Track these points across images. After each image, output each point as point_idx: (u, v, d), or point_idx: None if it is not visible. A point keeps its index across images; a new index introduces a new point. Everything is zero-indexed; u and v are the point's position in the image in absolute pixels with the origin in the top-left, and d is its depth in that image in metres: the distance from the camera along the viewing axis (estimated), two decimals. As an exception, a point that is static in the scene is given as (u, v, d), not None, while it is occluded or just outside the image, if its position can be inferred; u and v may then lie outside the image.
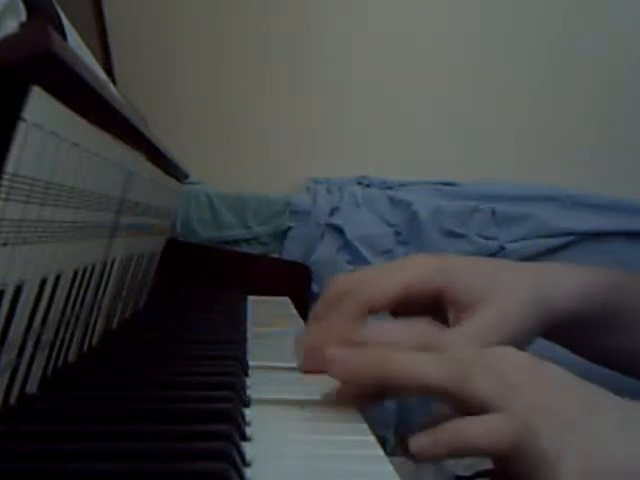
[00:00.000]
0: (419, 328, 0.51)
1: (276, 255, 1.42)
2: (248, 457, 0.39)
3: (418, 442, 0.43)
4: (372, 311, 0.58)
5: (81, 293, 0.58)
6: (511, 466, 0.43)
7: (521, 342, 0.57)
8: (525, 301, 0.58)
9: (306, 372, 0.56)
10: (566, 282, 0.61)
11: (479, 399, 0.44)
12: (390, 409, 1.28)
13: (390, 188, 1.48)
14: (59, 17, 0.57)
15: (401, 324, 0.55)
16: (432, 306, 0.59)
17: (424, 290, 0.58)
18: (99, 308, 0.67)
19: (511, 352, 0.47)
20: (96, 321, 0.67)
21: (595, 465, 0.42)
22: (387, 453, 0.43)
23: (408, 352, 0.47)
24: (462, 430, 0.43)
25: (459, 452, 0.43)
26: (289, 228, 1.43)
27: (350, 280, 0.60)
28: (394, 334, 0.51)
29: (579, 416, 0.43)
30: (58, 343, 0.55)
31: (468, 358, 0.46)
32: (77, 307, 0.58)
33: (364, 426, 0.47)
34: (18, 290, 0.43)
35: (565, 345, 0.66)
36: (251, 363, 0.62)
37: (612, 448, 0.42)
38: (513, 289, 0.58)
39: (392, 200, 1.45)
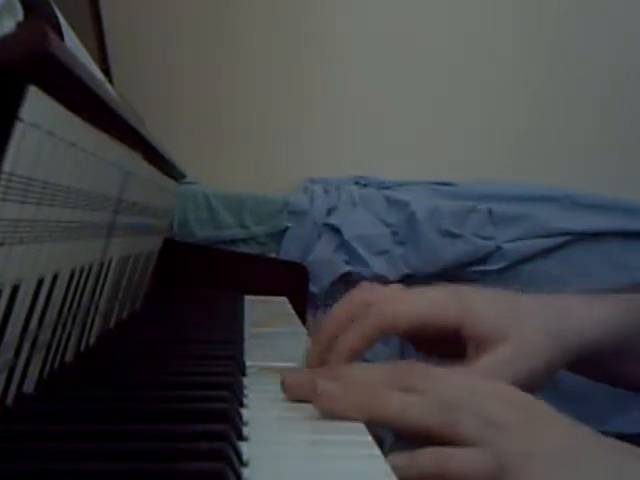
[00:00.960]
0: (402, 367, 0.52)
1: (273, 255, 1.42)
2: (245, 457, 0.39)
3: (396, 460, 0.43)
4: (385, 332, 0.58)
5: (78, 293, 0.58)
6: None
7: (540, 376, 0.57)
8: (542, 336, 0.58)
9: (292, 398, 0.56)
10: (580, 317, 0.60)
11: (462, 439, 0.44)
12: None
13: (387, 188, 1.48)
14: (56, 17, 0.57)
15: (383, 364, 0.55)
16: (448, 338, 0.59)
17: (440, 320, 0.58)
18: (96, 308, 0.67)
19: (503, 390, 0.48)
20: (93, 321, 0.67)
21: None
22: (384, 453, 0.43)
23: (394, 394, 0.48)
24: (441, 458, 0.44)
25: (436, 474, 0.44)
26: (286, 228, 1.43)
27: (364, 299, 0.60)
28: (376, 375, 0.51)
29: (562, 461, 0.43)
30: (55, 343, 0.55)
31: (453, 398, 0.46)
32: (74, 307, 0.58)
33: (361, 426, 0.47)
34: (15, 290, 0.42)
35: (586, 375, 0.67)
36: (248, 363, 0.62)
37: None
38: (530, 324, 0.58)
39: (389, 200, 1.45)
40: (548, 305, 0.62)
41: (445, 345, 0.59)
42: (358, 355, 0.58)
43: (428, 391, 0.47)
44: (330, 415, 0.48)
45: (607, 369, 0.64)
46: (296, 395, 0.52)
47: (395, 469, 0.43)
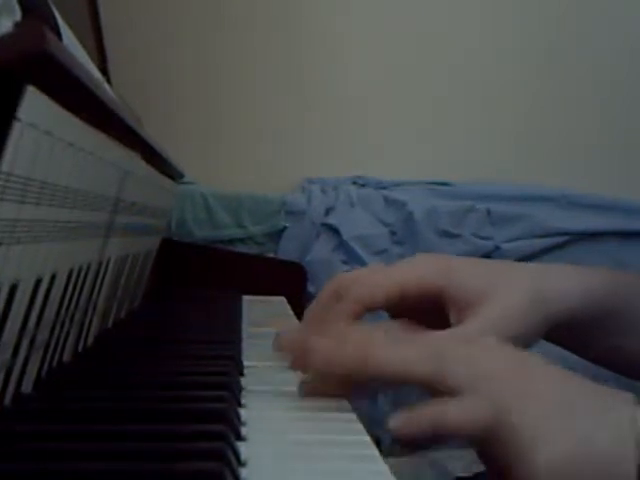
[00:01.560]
0: (398, 326, 0.52)
1: (271, 255, 1.42)
2: (243, 457, 0.39)
3: (395, 421, 0.44)
4: (367, 309, 0.58)
5: (76, 293, 0.58)
6: (487, 448, 0.44)
7: (523, 341, 0.57)
8: (526, 300, 0.58)
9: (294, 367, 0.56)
10: (566, 282, 0.61)
11: (453, 388, 0.45)
12: (385, 409, 1.28)
13: (385, 188, 1.48)
14: (54, 17, 0.57)
15: (381, 324, 0.55)
16: (431, 306, 0.59)
17: (422, 289, 0.58)
18: (94, 308, 0.67)
19: (494, 343, 0.48)
20: (91, 321, 0.67)
21: (580, 449, 0.42)
22: (382, 453, 0.43)
23: (387, 344, 0.48)
24: (438, 410, 0.44)
25: (434, 431, 0.44)
26: (284, 228, 1.43)
27: (345, 280, 0.61)
28: (368, 332, 0.52)
29: (558, 402, 0.44)
30: (53, 343, 0.55)
31: (444, 349, 0.47)
32: (72, 307, 0.58)
33: (359, 426, 0.47)
34: (13, 289, 0.42)
35: (565, 346, 0.66)
36: (246, 363, 0.62)
37: (594, 433, 0.43)
38: (513, 288, 0.59)
39: (387, 200, 1.45)
40: (533, 270, 0.62)
41: (428, 316, 0.59)
42: None
43: (420, 342, 0.48)
44: (323, 369, 0.49)
45: (589, 343, 0.64)
46: (288, 351, 0.52)
47: (395, 431, 0.43)
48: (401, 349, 0.47)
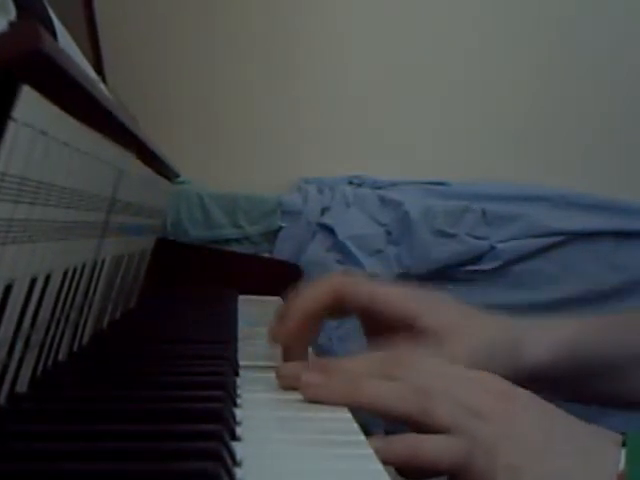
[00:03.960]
0: (387, 356, 0.53)
1: (267, 255, 1.42)
2: (238, 457, 0.39)
3: (372, 443, 0.44)
4: (345, 301, 0.60)
5: (71, 293, 0.58)
6: None
7: None
8: (494, 343, 0.59)
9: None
10: (537, 337, 0.61)
11: (438, 425, 0.45)
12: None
13: (381, 188, 1.48)
14: (49, 16, 0.57)
15: (370, 354, 0.56)
16: (399, 328, 0.60)
17: (400, 308, 0.60)
18: (89, 308, 0.67)
19: (484, 377, 0.49)
20: (86, 321, 0.67)
21: None
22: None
23: (374, 381, 0.50)
24: (414, 442, 0.45)
25: (408, 460, 0.45)
26: (280, 228, 1.43)
27: (348, 281, 0.62)
28: (358, 363, 0.53)
29: (538, 446, 0.44)
30: (48, 343, 0.55)
31: (430, 385, 0.47)
32: (67, 307, 0.58)
33: (354, 426, 0.47)
34: (8, 289, 0.42)
35: (539, 393, 0.67)
36: (242, 363, 0.62)
37: (573, 475, 0.43)
38: (485, 331, 0.60)
39: (383, 200, 1.46)
40: (504, 321, 0.63)
41: (394, 337, 0.60)
42: (312, 322, 0.60)
43: (407, 378, 0.48)
44: (316, 402, 0.50)
45: (562, 389, 0.65)
46: (286, 384, 0.54)
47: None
48: (387, 385, 0.49)
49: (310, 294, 0.61)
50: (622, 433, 0.45)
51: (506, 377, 0.58)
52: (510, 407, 0.46)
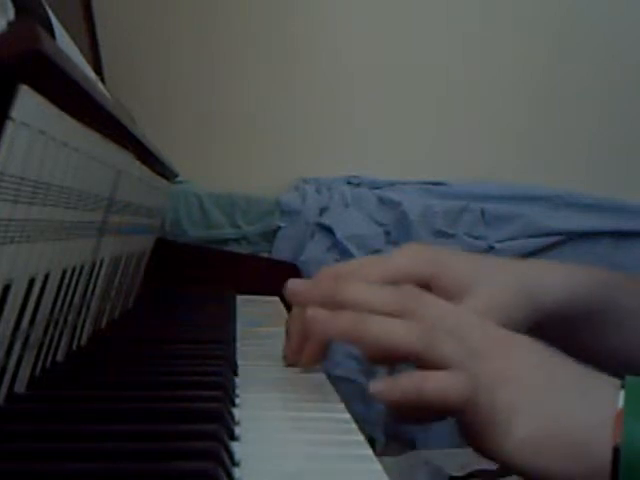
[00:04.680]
0: (397, 292, 0.53)
1: (265, 255, 1.42)
2: (237, 457, 0.39)
3: (376, 385, 0.45)
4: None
5: (70, 293, 0.58)
6: (464, 419, 0.46)
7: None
8: (510, 292, 0.59)
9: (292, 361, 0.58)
10: (551, 277, 0.61)
11: (443, 362, 0.46)
12: (379, 409, 1.28)
13: (379, 188, 1.48)
14: (48, 16, 0.57)
15: (376, 287, 0.55)
16: None
17: (411, 278, 0.59)
18: (88, 308, 0.67)
19: (486, 323, 0.49)
20: (85, 321, 0.67)
21: (555, 425, 0.44)
22: (376, 452, 0.43)
23: (381, 317, 0.49)
24: (419, 379, 0.46)
25: (414, 398, 0.45)
26: (279, 228, 1.43)
27: (336, 272, 0.61)
28: (371, 297, 0.52)
29: (538, 384, 0.45)
30: (47, 343, 0.55)
31: (436, 323, 0.48)
32: (66, 307, 0.58)
33: (353, 426, 0.47)
34: (6, 289, 0.42)
35: (550, 343, 0.67)
36: (240, 363, 0.62)
37: (572, 412, 0.44)
38: (498, 280, 0.59)
39: (381, 200, 1.46)
40: (519, 265, 0.63)
41: None
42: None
43: (414, 315, 0.48)
44: (320, 337, 0.52)
45: (573, 338, 0.65)
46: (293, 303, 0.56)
47: (376, 395, 0.44)
48: (394, 322, 0.49)
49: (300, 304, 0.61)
50: (621, 378, 0.46)
51: (521, 320, 0.59)
52: (511, 348, 0.47)
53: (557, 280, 0.61)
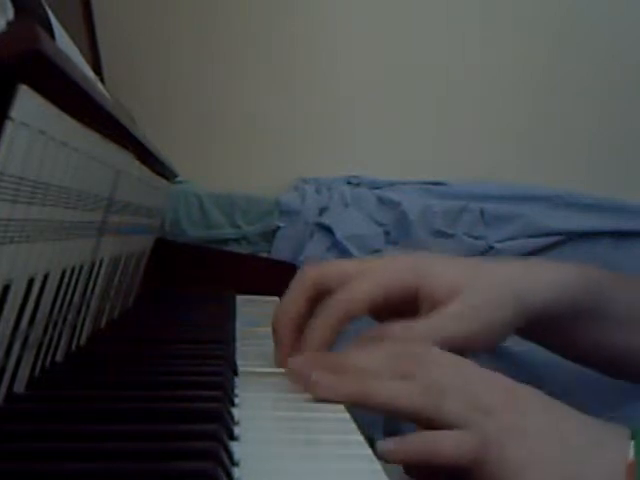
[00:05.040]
0: (395, 354, 0.52)
1: (265, 255, 1.42)
2: (236, 457, 0.39)
3: (385, 445, 0.44)
4: (350, 319, 0.59)
5: (69, 293, 0.58)
6: (474, 475, 0.45)
7: (492, 336, 0.58)
8: (497, 295, 0.59)
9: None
10: (540, 277, 0.61)
11: (450, 421, 0.45)
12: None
13: (379, 188, 1.48)
14: (47, 15, 0.57)
15: (380, 347, 0.55)
16: (409, 305, 0.60)
17: (400, 290, 0.59)
18: (87, 308, 0.67)
19: (488, 374, 0.49)
20: (84, 321, 0.67)
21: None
22: (375, 452, 0.43)
23: (386, 382, 0.49)
24: (430, 439, 0.45)
25: (424, 459, 0.45)
26: (278, 228, 1.43)
27: (324, 276, 0.61)
28: (372, 363, 0.52)
29: (549, 439, 0.45)
30: (46, 343, 0.55)
31: (439, 382, 0.47)
32: (65, 307, 0.58)
33: (352, 426, 0.47)
34: (5, 290, 0.42)
35: (540, 343, 0.67)
36: (240, 363, 0.62)
37: (584, 469, 0.44)
38: (485, 284, 0.59)
39: (381, 200, 1.46)
40: (506, 266, 0.62)
41: (405, 313, 0.60)
42: (329, 347, 0.59)
43: (416, 376, 0.48)
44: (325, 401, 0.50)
45: (566, 338, 0.65)
46: (295, 379, 0.53)
47: (383, 454, 0.44)
48: (398, 387, 0.48)
49: (286, 305, 0.61)
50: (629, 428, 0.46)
51: (507, 323, 0.59)
52: (517, 402, 0.47)
53: (546, 281, 0.61)
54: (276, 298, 1.15)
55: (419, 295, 0.59)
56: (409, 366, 0.50)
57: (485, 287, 0.59)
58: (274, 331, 0.63)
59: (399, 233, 1.43)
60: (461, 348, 0.56)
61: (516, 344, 0.71)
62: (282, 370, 0.59)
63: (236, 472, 0.38)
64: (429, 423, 0.46)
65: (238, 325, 0.85)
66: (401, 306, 0.60)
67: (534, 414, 0.46)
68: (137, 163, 0.75)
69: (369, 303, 0.59)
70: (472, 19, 1.54)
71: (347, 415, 0.49)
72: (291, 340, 0.61)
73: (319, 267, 0.63)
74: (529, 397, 0.48)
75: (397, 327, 0.57)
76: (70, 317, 0.60)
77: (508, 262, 0.65)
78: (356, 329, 0.63)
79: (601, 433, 0.46)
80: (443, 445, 0.45)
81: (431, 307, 0.58)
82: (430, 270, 0.60)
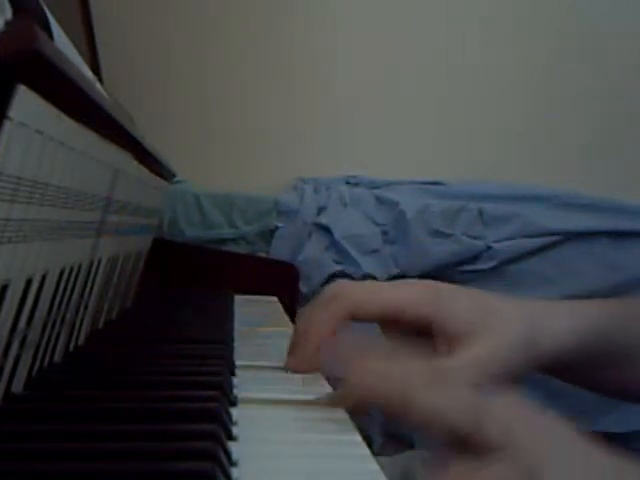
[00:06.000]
0: (432, 368, 0.51)
1: (263, 254, 1.42)
2: (234, 457, 0.39)
3: (430, 470, 0.43)
4: (356, 317, 0.59)
5: (67, 293, 0.58)
6: None
7: (510, 378, 0.58)
8: (515, 340, 0.58)
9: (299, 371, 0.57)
10: (560, 320, 0.60)
11: (487, 441, 0.44)
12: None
13: (377, 187, 1.48)
14: (45, 15, 0.57)
15: (414, 361, 0.54)
16: (419, 331, 0.59)
17: (413, 316, 0.59)
18: (85, 308, 0.67)
19: (521, 402, 0.48)
20: (82, 321, 0.67)
21: None
22: (373, 452, 0.43)
23: (429, 387, 0.47)
24: (470, 469, 0.44)
25: None
26: (276, 227, 1.43)
27: (346, 286, 0.61)
28: (410, 372, 0.51)
29: (575, 469, 0.44)
30: (44, 343, 0.55)
31: (481, 402, 0.46)
32: (63, 307, 0.58)
33: (351, 426, 0.47)
34: (4, 289, 0.42)
35: (564, 380, 0.67)
36: (238, 362, 0.62)
37: None
38: (504, 326, 0.59)
39: (379, 199, 1.46)
40: (524, 308, 0.62)
41: (414, 338, 0.60)
42: (330, 334, 0.58)
43: (457, 393, 0.47)
44: (365, 397, 0.47)
45: (585, 375, 0.64)
46: (331, 367, 0.53)
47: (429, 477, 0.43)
48: (443, 395, 0.46)
49: (319, 320, 0.59)
50: None
51: (525, 367, 0.58)
52: (550, 433, 0.46)
53: (563, 325, 0.60)
54: (274, 298, 1.15)
55: (433, 327, 0.59)
56: (442, 381, 0.48)
57: (505, 332, 0.58)
58: (297, 335, 0.61)
59: (397, 233, 1.43)
60: None
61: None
62: (281, 370, 0.59)
63: (234, 472, 0.38)
64: (463, 440, 0.45)
65: (236, 325, 0.85)
66: (410, 329, 0.60)
67: (565, 446, 0.46)
68: (135, 163, 0.75)
69: (381, 308, 0.59)
70: (472, 19, 1.54)
71: (345, 415, 0.49)
72: (314, 354, 0.60)
73: (348, 283, 0.62)
74: (559, 427, 0.47)
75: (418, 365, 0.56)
76: (68, 317, 0.60)
77: (527, 302, 0.65)
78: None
79: (628, 468, 0.46)
80: (484, 476, 0.44)
81: (447, 341, 0.58)
82: (448, 305, 0.59)
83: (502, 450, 0.44)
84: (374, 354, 0.52)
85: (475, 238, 1.43)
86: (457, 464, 0.44)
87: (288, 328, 0.87)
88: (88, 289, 0.66)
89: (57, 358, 0.59)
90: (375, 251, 1.42)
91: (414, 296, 0.60)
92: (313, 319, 0.60)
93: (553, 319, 0.61)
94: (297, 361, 0.60)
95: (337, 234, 1.42)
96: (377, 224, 1.44)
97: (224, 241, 1.43)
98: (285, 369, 0.60)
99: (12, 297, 0.44)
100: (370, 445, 0.44)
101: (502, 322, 0.59)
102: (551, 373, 0.64)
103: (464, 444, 0.45)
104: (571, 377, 0.66)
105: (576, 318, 0.61)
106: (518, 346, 0.58)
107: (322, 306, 0.60)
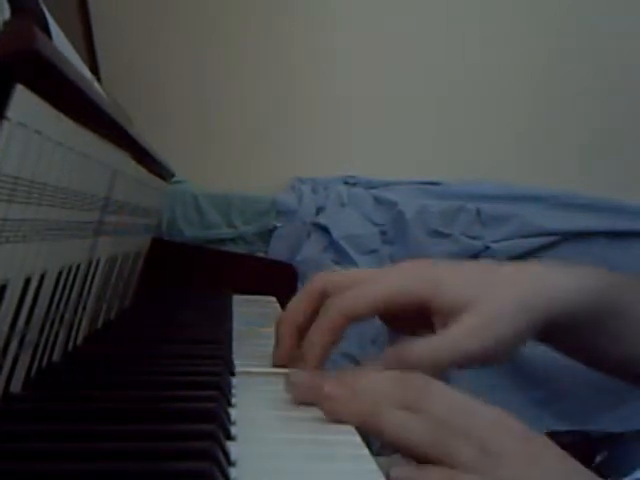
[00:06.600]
0: (409, 382, 0.51)
1: (262, 254, 1.42)
2: (233, 457, 0.39)
3: (401, 473, 0.43)
4: (353, 320, 0.59)
5: (66, 293, 0.58)
6: None
7: (507, 345, 0.57)
8: (511, 305, 0.58)
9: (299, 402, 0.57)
10: (557, 283, 0.60)
11: (461, 464, 0.44)
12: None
13: (375, 188, 1.48)
14: (44, 15, 0.57)
15: (391, 373, 0.54)
16: (417, 313, 0.59)
17: (410, 299, 0.58)
18: (84, 308, 0.67)
19: (500, 417, 0.47)
20: (81, 321, 0.67)
21: None
22: (372, 453, 0.43)
23: (397, 412, 0.47)
24: (449, 476, 0.43)
25: None
26: (275, 227, 1.43)
27: (332, 282, 0.61)
28: (384, 385, 0.50)
29: None
30: (42, 343, 0.55)
31: (451, 422, 0.46)
32: (62, 307, 0.58)
33: (350, 426, 0.47)
34: (2, 289, 0.42)
35: (559, 349, 0.66)
36: (236, 362, 0.62)
37: None
38: (499, 294, 0.58)
39: (377, 200, 1.46)
40: (521, 273, 0.61)
41: (417, 321, 0.59)
42: (331, 348, 0.58)
43: (428, 411, 0.47)
44: (331, 418, 0.48)
45: (583, 345, 0.64)
46: (302, 395, 0.51)
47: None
48: (408, 418, 0.46)
49: (291, 308, 0.61)
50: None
51: (521, 334, 0.58)
52: (531, 451, 0.46)
53: (560, 288, 0.60)
54: (273, 298, 1.15)
55: (431, 306, 0.58)
56: (420, 398, 0.48)
57: (500, 299, 0.58)
58: (276, 331, 0.62)
59: (395, 233, 1.43)
60: (476, 362, 0.56)
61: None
62: (280, 370, 0.59)
63: (233, 472, 0.38)
64: (433, 461, 0.45)
65: (235, 325, 0.85)
66: (412, 314, 0.59)
67: (547, 464, 0.45)
68: (134, 163, 0.75)
69: (373, 306, 0.59)
70: (472, 19, 1.54)
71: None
72: (292, 340, 0.61)
73: (329, 274, 0.63)
74: (542, 446, 0.47)
75: (411, 346, 0.56)
76: (67, 317, 0.60)
77: (524, 266, 0.64)
78: (360, 332, 0.63)
79: None
80: None
81: (444, 319, 0.58)
82: (444, 279, 0.59)
83: (474, 469, 0.44)
84: (340, 377, 0.52)
85: (473, 238, 1.43)
86: (440, 471, 0.44)
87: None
88: (87, 289, 0.66)
89: (56, 358, 0.59)
90: (373, 251, 1.42)
91: (408, 281, 0.59)
92: (290, 314, 0.61)
93: (550, 282, 0.60)
94: (281, 356, 0.61)
95: (335, 234, 1.42)
96: (375, 224, 1.44)
97: (223, 241, 1.43)
98: (272, 364, 0.61)
99: (11, 297, 0.44)
100: (369, 445, 0.44)
101: (497, 290, 0.58)
102: (552, 342, 0.63)
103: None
104: (571, 347, 0.66)
105: (573, 282, 0.61)
106: (511, 314, 0.57)
107: (310, 309, 0.60)
